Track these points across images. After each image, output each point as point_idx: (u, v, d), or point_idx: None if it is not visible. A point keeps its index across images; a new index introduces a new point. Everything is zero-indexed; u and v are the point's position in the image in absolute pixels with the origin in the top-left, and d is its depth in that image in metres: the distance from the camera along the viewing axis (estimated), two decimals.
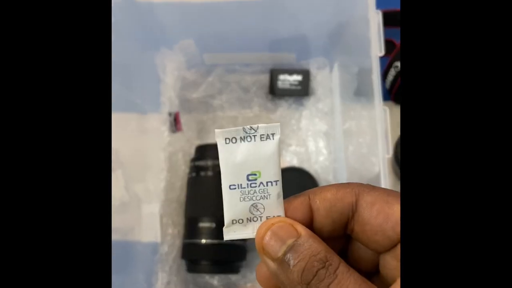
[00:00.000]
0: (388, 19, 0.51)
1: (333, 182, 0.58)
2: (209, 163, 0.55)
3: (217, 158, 0.56)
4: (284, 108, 0.63)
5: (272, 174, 0.23)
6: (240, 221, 0.24)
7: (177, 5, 0.55)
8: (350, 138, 0.56)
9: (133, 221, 0.55)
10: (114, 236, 0.50)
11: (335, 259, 0.22)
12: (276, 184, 0.23)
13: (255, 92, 0.64)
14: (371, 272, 0.24)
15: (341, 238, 0.25)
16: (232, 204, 0.24)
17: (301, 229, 0.22)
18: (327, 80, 0.63)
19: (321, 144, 0.61)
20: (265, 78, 0.64)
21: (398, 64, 0.59)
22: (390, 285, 0.22)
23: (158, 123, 0.61)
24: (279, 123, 0.23)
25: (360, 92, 0.53)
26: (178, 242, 0.57)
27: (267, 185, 0.23)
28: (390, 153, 0.44)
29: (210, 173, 0.54)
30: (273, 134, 0.23)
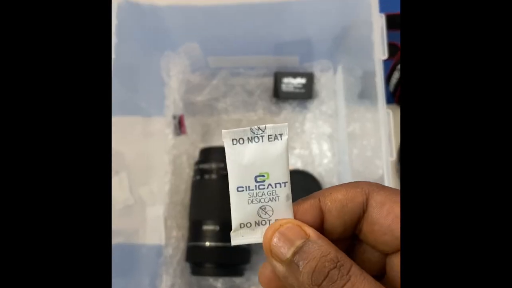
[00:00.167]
0: (392, 22, 0.51)
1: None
2: (213, 166, 0.55)
3: (221, 161, 0.56)
4: (288, 111, 0.63)
5: (280, 175, 0.23)
6: (248, 224, 0.23)
7: (181, 8, 0.55)
8: (354, 141, 0.56)
9: (138, 223, 0.55)
10: (119, 239, 0.50)
11: (346, 260, 0.21)
12: (285, 186, 0.23)
13: (259, 95, 0.64)
14: (376, 275, 0.24)
15: (346, 240, 0.24)
16: (240, 207, 0.23)
17: (310, 231, 0.22)
18: (331, 82, 0.63)
19: (325, 146, 0.61)
20: (269, 81, 0.64)
21: None
22: (398, 287, 0.22)
23: (163, 126, 0.61)
24: (287, 123, 0.23)
25: (364, 95, 0.53)
26: (182, 245, 0.57)
27: (275, 187, 0.23)
28: (394, 156, 0.44)
29: (214, 176, 0.54)
30: (281, 135, 0.23)
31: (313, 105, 0.63)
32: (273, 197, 0.23)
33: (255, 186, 0.23)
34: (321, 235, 0.22)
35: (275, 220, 0.23)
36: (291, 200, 0.23)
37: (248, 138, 0.23)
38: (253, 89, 0.64)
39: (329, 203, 0.23)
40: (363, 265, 0.24)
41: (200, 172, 0.56)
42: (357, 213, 0.23)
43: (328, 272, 0.20)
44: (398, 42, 0.61)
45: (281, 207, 0.23)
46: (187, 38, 0.60)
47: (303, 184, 0.57)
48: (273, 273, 0.23)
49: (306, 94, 0.62)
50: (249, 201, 0.23)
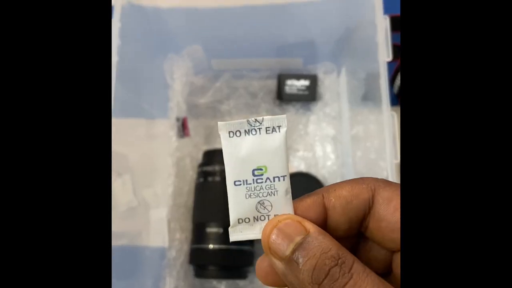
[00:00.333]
0: (396, 24, 0.51)
1: None
2: (217, 168, 0.55)
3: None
4: (291, 113, 0.63)
5: (279, 169, 0.22)
6: (247, 220, 0.23)
7: (184, 11, 0.55)
8: (357, 143, 0.55)
9: (141, 226, 0.55)
10: (122, 241, 0.50)
11: (348, 256, 0.20)
12: (284, 180, 0.22)
13: (262, 97, 0.64)
14: (382, 273, 0.23)
15: (351, 238, 0.24)
16: (237, 202, 0.22)
17: (310, 226, 0.21)
18: (335, 85, 0.63)
19: (329, 149, 0.61)
20: (272, 83, 0.64)
21: None
22: None
23: (166, 128, 0.61)
24: (285, 115, 0.22)
25: (368, 97, 0.53)
26: (185, 247, 0.57)
27: (274, 181, 0.22)
28: (398, 158, 0.43)
29: (217, 178, 0.54)
30: (279, 127, 0.22)
31: (317, 107, 0.63)
32: (271, 192, 0.22)
33: (253, 180, 0.22)
34: (322, 231, 0.21)
35: (275, 215, 0.22)
36: (290, 195, 0.22)
37: (245, 130, 0.22)
38: (257, 91, 0.64)
39: (333, 200, 0.22)
40: (368, 263, 0.23)
41: (203, 175, 0.55)
42: (362, 210, 0.22)
43: (329, 270, 0.20)
44: None
45: (280, 201, 0.22)
46: (191, 41, 0.60)
47: (306, 186, 0.57)
48: (270, 267, 0.23)
49: (310, 96, 0.62)
50: (247, 196, 0.22)
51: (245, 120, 0.22)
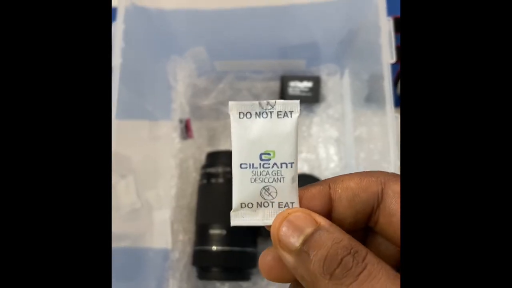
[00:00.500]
0: (399, 26, 0.51)
1: None
2: (220, 170, 0.55)
3: (228, 165, 0.55)
4: None
5: (287, 155, 0.21)
6: (250, 205, 0.22)
7: (188, 12, 0.55)
8: (361, 145, 0.55)
9: (144, 227, 0.55)
10: (125, 242, 0.50)
11: (361, 247, 0.19)
12: (291, 167, 0.22)
13: (265, 99, 0.63)
14: None
15: (357, 232, 0.23)
16: (242, 185, 0.22)
17: (321, 219, 0.20)
18: (338, 86, 0.63)
19: (332, 150, 0.61)
20: (275, 85, 0.64)
21: None
22: None
23: (169, 130, 0.61)
24: (298, 100, 0.22)
25: (371, 99, 0.53)
26: (189, 249, 0.57)
27: (281, 167, 0.21)
28: None
29: (221, 180, 0.54)
30: (291, 112, 0.22)
31: (320, 108, 0.63)
32: (277, 178, 0.22)
33: (260, 164, 0.22)
34: (333, 224, 0.20)
35: (279, 203, 0.22)
36: (297, 183, 0.22)
37: (256, 113, 0.22)
38: (260, 93, 0.64)
39: (339, 191, 0.22)
40: None
41: (206, 176, 0.55)
42: (370, 204, 0.21)
43: (342, 259, 0.19)
44: None
45: (286, 189, 0.22)
46: (194, 42, 0.60)
47: None
48: (274, 261, 0.22)
49: (313, 97, 0.62)
50: (252, 180, 0.22)
51: (257, 102, 0.22)
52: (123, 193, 0.50)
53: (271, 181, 0.22)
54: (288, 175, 0.22)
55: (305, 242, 0.20)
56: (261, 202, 0.22)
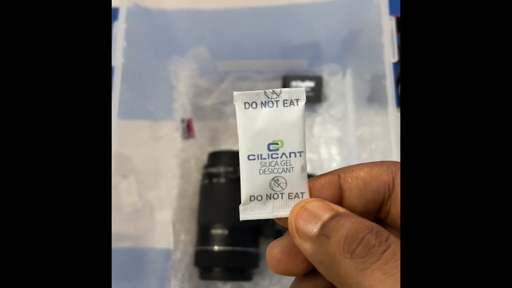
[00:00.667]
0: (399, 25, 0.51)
1: None
2: (222, 170, 0.55)
3: (230, 165, 0.55)
4: None
5: (296, 144, 0.21)
6: (259, 197, 0.21)
7: (189, 12, 0.55)
8: (363, 145, 0.55)
9: (146, 227, 0.55)
10: (127, 243, 0.50)
11: (382, 229, 0.18)
12: (300, 156, 0.21)
13: None
14: None
15: None
16: (250, 178, 0.21)
17: (338, 207, 0.20)
18: (340, 86, 0.63)
19: (334, 150, 0.61)
20: (277, 85, 0.64)
21: None
22: None
23: (171, 130, 0.61)
24: (303, 88, 0.21)
25: (373, 98, 0.53)
26: (190, 249, 0.57)
27: (290, 156, 0.21)
28: None
29: (222, 180, 0.54)
30: (297, 100, 0.21)
31: (322, 108, 0.63)
32: (287, 168, 0.21)
33: (268, 155, 0.21)
34: (349, 211, 0.20)
35: (289, 193, 0.21)
36: (306, 172, 0.21)
37: (262, 102, 0.21)
38: None
39: (350, 180, 0.21)
40: None
41: (208, 176, 0.55)
42: (381, 194, 0.21)
43: (363, 238, 0.18)
44: None
45: (296, 179, 0.21)
46: (196, 43, 0.60)
47: None
48: (282, 253, 0.21)
49: (315, 97, 0.62)
50: (261, 171, 0.21)
51: (262, 91, 0.21)
52: (124, 193, 0.50)
53: (280, 171, 0.21)
54: (298, 164, 0.21)
55: (324, 226, 0.19)
56: (270, 194, 0.21)
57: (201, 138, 0.62)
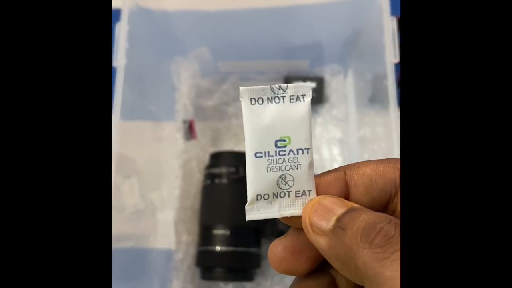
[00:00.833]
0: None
1: None
2: (224, 170, 0.55)
3: (231, 165, 0.55)
4: None
5: (303, 140, 0.21)
6: (266, 196, 0.21)
7: (191, 13, 0.55)
8: (365, 145, 0.55)
9: (148, 228, 0.56)
10: (129, 243, 0.50)
11: (399, 221, 0.18)
12: (308, 152, 0.21)
13: None
14: None
15: None
16: (258, 176, 0.21)
17: (353, 204, 0.20)
18: (342, 86, 0.63)
19: (336, 151, 0.61)
20: None
21: None
22: None
23: (173, 131, 0.61)
24: (309, 83, 0.21)
25: (375, 99, 0.53)
26: (192, 250, 0.57)
27: (297, 153, 0.21)
28: None
29: (224, 180, 0.54)
30: (303, 96, 0.21)
31: (324, 109, 0.63)
32: (294, 165, 0.20)
33: (275, 151, 0.20)
34: (364, 207, 0.19)
35: (296, 192, 0.21)
36: (313, 170, 0.21)
37: (268, 98, 0.21)
38: None
39: (356, 177, 0.21)
40: None
41: (210, 177, 0.56)
42: (388, 191, 0.21)
43: (381, 228, 0.17)
44: None
45: (303, 176, 0.21)
46: (197, 43, 0.60)
47: None
48: (285, 251, 0.21)
49: (317, 98, 0.62)
50: (268, 169, 0.20)
51: (268, 86, 0.21)
52: (126, 194, 0.50)
53: (288, 168, 0.21)
54: (305, 161, 0.21)
55: (339, 219, 0.19)
56: (277, 193, 0.21)
57: (203, 139, 0.62)
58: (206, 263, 0.54)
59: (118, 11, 0.47)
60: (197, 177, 0.60)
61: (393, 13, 0.47)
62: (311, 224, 0.20)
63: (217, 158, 0.57)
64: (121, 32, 0.46)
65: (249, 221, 0.21)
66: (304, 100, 0.21)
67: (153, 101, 0.57)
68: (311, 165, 0.21)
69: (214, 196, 0.55)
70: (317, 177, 0.21)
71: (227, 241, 0.53)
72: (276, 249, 0.21)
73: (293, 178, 0.21)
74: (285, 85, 0.21)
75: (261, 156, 0.21)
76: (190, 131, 0.62)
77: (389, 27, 0.46)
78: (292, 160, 0.21)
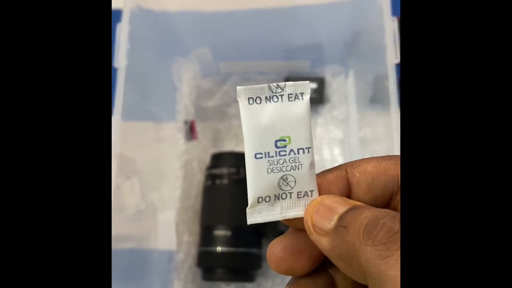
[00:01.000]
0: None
1: None
2: (225, 171, 0.55)
3: (232, 166, 0.55)
4: None
5: (303, 139, 0.20)
6: (267, 198, 0.20)
7: (192, 14, 0.55)
8: (365, 146, 0.55)
9: (149, 229, 0.56)
10: (130, 244, 0.50)
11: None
12: (308, 152, 0.20)
13: None
14: None
15: None
16: (258, 178, 0.20)
17: (355, 202, 0.19)
18: (342, 87, 0.63)
19: (336, 152, 0.61)
20: None
21: None
22: None
23: (174, 131, 0.61)
24: (308, 81, 0.21)
25: (376, 99, 0.52)
26: (193, 250, 0.57)
27: (298, 153, 0.20)
28: None
29: (225, 181, 0.54)
30: (302, 94, 0.20)
31: (325, 110, 0.63)
32: (296, 165, 0.20)
33: (276, 152, 0.20)
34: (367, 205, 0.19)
35: (297, 192, 0.20)
36: (314, 169, 0.20)
37: (266, 97, 0.20)
38: None
39: (357, 175, 0.20)
40: None
41: (211, 177, 0.56)
42: (390, 188, 0.20)
43: (384, 223, 0.17)
44: None
45: (305, 176, 0.20)
46: (198, 44, 0.60)
47: None
48: (284, 251, 0.21)
49: (317, 99, 0.62)
50: (269, 170, 0.20)
51: (266, 85, 0.20)
52: (127, 194, 0.50)
53: (289, 169, 0.20)
54: (306, 161, 0.20)
55: (341, 218, 0.18)
56: (279, 194, 0.20)
57: (203, 139, 0.62)
58: (207, 263, 0.54)
59: (119, 12, 0.47)
60: (198, 178, 0.60)
61: (394, 13, 0.47)
62: (313, 225, 0.19)
63: (218, 159, 0.57)
64: (122, 33, 0.46)
65: None
66: (303, 99, 0.21)
67: (154, 102, 0.57)
68: (312, 164, 0.20)
69: (215, 196, 0.55)
70: (319, 176, 0.21)
71: (228, 241, 0.53)
72: (275, 248, 0.21)
73: (295, 179, 0.20)
74: (283, 83, 0.20)
75: (261, 157, 0.20)
76: (191, 131, 0.62)
77: (390, 27, 0.46)
78: (293, 160, 0.20)
